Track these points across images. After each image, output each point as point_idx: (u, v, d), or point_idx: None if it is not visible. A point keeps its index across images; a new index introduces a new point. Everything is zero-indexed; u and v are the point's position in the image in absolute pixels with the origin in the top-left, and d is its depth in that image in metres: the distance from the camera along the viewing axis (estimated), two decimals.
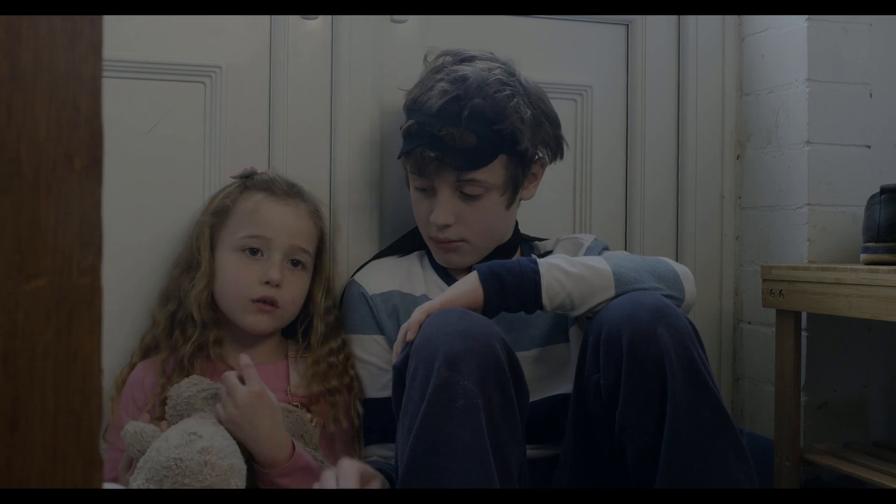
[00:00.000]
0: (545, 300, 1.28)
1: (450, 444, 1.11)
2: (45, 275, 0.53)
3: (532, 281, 1.27)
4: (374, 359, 1.50)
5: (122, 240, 1.50)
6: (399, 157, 1.51)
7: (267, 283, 1.41)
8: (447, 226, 1.46)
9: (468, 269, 1.54)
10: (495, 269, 1.28)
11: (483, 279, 1.27)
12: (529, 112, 1.44)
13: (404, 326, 1.26)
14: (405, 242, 1.61)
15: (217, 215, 1.46)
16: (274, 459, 1.27)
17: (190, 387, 1.30)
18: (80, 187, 0.54)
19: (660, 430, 1.18)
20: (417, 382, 1.15)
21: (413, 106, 1.46)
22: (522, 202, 1.56)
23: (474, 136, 1.39)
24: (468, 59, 1.46)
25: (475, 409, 1.12)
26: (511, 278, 1.27)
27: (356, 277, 1.55)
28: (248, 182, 1.49)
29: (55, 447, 0.53)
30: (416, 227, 1.58)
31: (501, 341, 1.18)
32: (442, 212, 1.45)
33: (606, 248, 1.57)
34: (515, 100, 1.43)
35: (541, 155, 1.51)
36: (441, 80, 1.42)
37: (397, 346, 1.26)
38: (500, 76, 1.43)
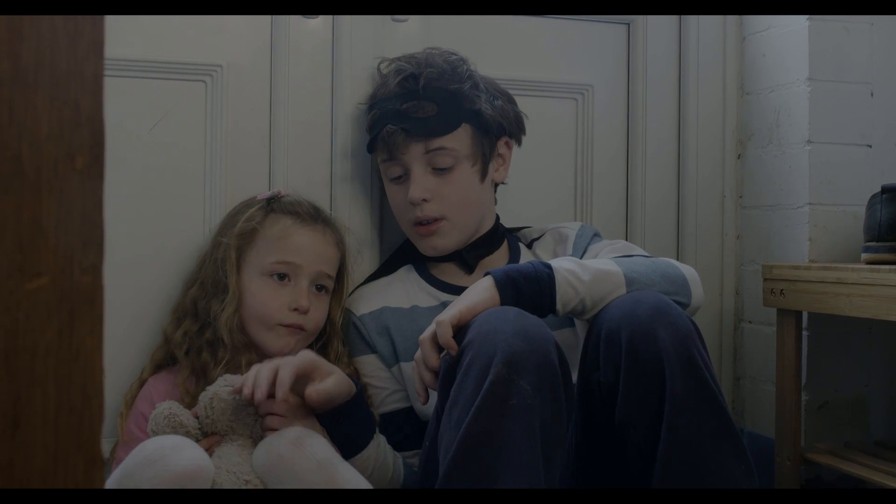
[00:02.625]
0: (559, 306, 1.28)
1: (501, 441, 1.11)
2: (46, 274, 0.53)
3: (547, 286, 1.28)
4: (368, 379, 1.52)
5: (123, 247, 1.49)
6: (370, 151, 1.56)
7: (295, 309, 1.42)
8: (424, 201, 1.49)
9: (463, 268, 1.56)
10: (511, 275, 1.28)
11: (499, 285, 1.27)
12: (479, 78, 1.54)
13: (425, 338, 1.25)
14: (391, 261, 1.63)
15: (243, 237, 1.44)
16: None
17: (237, 410, 1.27)
18: (81, 186, 0.54)
19: (658, 428, 1.18)
20: (472, 377, 1.15)
21: (373, 100, 1.56)
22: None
23: (434, 105, 1.48)
24: (419, 52, 1.56)
25: (529, 409, 1.12)
26: (526, 283, 1.27)
27: (345, 304, 1.56)
28: (274, 204, 1.48)
29: (56, 446, 0.53)
30: (400, 246, 1.62)
31: (555, 345, 1.18)
32: (417, 187, 1.49)
33: (597, 235, 1.59)
34: (466, 65, 1.53)
35: (505, 128, 1.55)
36: (396, 66, 1.53)
37: (427, 359, 1.25)
38: (447, 51, 1.54)
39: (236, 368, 1.40)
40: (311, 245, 1.46)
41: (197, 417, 1.27)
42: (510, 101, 1.59)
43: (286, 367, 1.25)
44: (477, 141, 1.51)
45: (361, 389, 1.37)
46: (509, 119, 1.56)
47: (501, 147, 1.57)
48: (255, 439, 1.28)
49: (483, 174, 1.53)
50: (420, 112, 1.47)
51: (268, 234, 1.44)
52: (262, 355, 1.44)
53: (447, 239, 1.52)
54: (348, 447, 1.35)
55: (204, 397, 1.27)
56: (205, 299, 1.44)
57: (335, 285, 1.51)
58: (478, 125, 1.51)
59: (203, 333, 1.42)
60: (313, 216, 1.48)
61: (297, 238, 1.45)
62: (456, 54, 1.53)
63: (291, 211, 1.47)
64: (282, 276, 1.43)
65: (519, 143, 1.62)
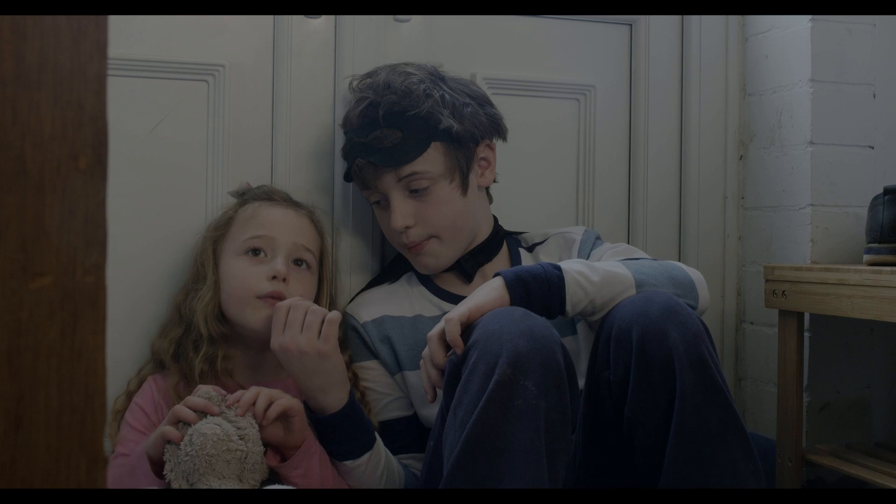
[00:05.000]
0: (568, 306, 1.28)
1: (505, 442, 1.11)
2: (49, 273, 0.53)
3: (557, 287, 1.28)
4: (370, 384, 1.51)
5: (125, 247, 1.49)
6: (347, 181, 1.55)
7: (273, 278, 1.40)
8: (408, 227, 1.48)
9: (462, 277, 1.55)
10: (521, 275, 1.28)
11: (509, 285, 1.27)
12: (444, 93, 1.48)
13: (433, 336, 1.26)
14: (392, 269, 1.62)
15: (218, 229, 1.46)
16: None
17: (217, 443, 1.21)
18: (84, 186, 0.54)
19: (667, 427, 1.19)
20: (477, 377, 1.15)
21: (344, 126, 1.53)
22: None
23: (398, 132, 1.44)
24: (378, 71, 1.51)
25: (534, 410, 1.12)
26: (536, 284, 1.27)
27: (347, 309, 1.56)
28: (247, 196, 1.50)
29: (59, 446, 0.53)
30: (400, 253, 1.59)
31: (561, 345, 1.18)
32: (397, 215, 1.47)
33: (598, 239, 1.58)
34: (424, 84, 1.47)
35: (479, 134, 1.51)
36: (357, 95, 1.49)
37: (434, 357, 1.26)
38: (405, 70, 1.49)
39: (213, 361, 1.39)
40: (282, 218, 1.45)
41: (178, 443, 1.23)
42: (482, 102, 1.54)
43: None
44: (450, 157, 1.48)
45: (353, 399, 1.37)
46: (483, 124, 1.52)
47: (483, 151, 1.53)
48: (247, 486, 1.23)
49: (464, 187, 1.50)
50: (385, 141, 1.45)
51: (240, 217, 1.46)
52: (240, 349, 1.44)
53: (438, 258, 1.52)
54: (339, 453, 1.36)
55: (188, 431, 1.22)
56: (186, 300, 1.44)
57: (319, 270, 1.49)
58: (448, 141, 1.47)
59: (189, 334, 1.42)
60: (286, 199, 1.50)
61: (267, 213, 1.45)
62: (415, 73, 1.48)
63: (263, 196, 1.49)
64: (257, 252, 1.42)
65: (503, 139, 1.58)
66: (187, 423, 1.22)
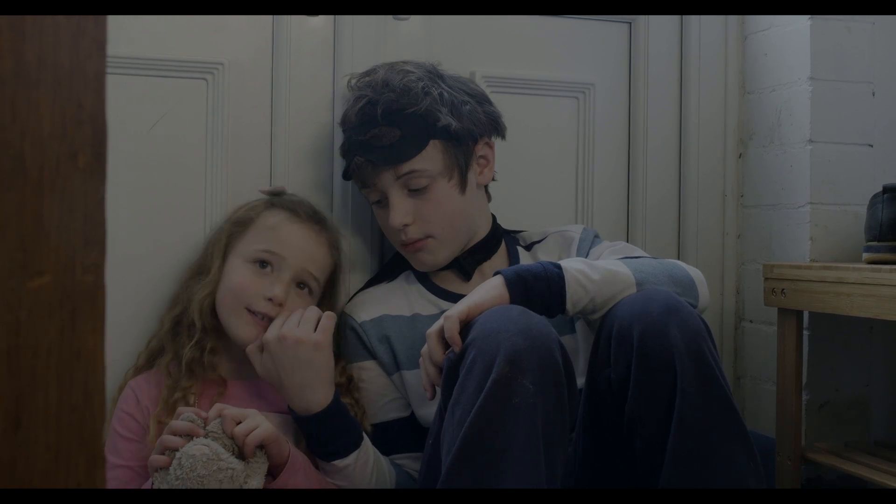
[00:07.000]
0: (569, 305, 1.28)
1: (503, 440, 1.11)
2: (48, 272, 0.53)
3: (557, 286, 1.27)
4: (367, 385, 1.51)
5: (123, 244, 1.49)
6: (345, 179, 1.55)
7: (270, 300, 1.40)
8: (406, 225, 1.47)
9: (460, 275, 1.55)
10: (521, 274, 1.28)
11: (509, 284, 1.27)
12: (442, 91, 1.47)
13: (432, 333, 1.26)
14: (390, 267, 1.62)
15: (237, 225, 1.46)
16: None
17: (207, 463, 1.19)
18: (83, 185, 0.54)
19: (668, 424, 1.18)
20: (475, 375, 1.14)
21: (343, 124, 1.52)
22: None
23: (397, 129, 1.44)
24: (377, 69, 1.51)
25: (532, 408, 1.12)
26: (536, 282, 1.27)
27: (345, 309, 1.55)
28: (275, 200, 1.49)
29: (58, 445, 0.53)
30: (398, 252, 1.59)
31: (558, 343, 1.18)
32: (396, 213, 1.46)
33: (597, 237, 1.58)
34: (423, 82, 1.46)
35: (478, 132, 1.51)
36: (356, 93, 1.49)
37: (432, 354, 1.26)
38: (404, 68, 1.49)
39: (203, 350, 1.40)
40: (300, 241, 1.45)
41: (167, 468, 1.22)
42: (481, 100, 1.53)
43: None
44: (449, 155, 1.48)
45: (338, 398, 1.38)
46: (481, 122, 1.51)
47: (482, 149, 1.53)
48: None
49: (462, 186, 1.50)
50: (384, 139, 1.44)
51: (261, 224, 1.45)
52: (229, 344, 1.44)
53: (435, 255, 1.51)
54: (326, 453, 1.37)
55: (176, 455, 1.21)
56: (189, 283, 1.45)
57: (325, 293, 1.49)
58: (447, 139, 1.47)
59: (186, 316, 1.43)
60: (310, 216, 1.48)
61: (286, 231, 1.44)
62: (413, 72, 1.48)
63: (290, 207, 1.47)
64: (264, 265, 1.42)
65: (502, 137, 1.58)
66: (174, 449, 1.21)
